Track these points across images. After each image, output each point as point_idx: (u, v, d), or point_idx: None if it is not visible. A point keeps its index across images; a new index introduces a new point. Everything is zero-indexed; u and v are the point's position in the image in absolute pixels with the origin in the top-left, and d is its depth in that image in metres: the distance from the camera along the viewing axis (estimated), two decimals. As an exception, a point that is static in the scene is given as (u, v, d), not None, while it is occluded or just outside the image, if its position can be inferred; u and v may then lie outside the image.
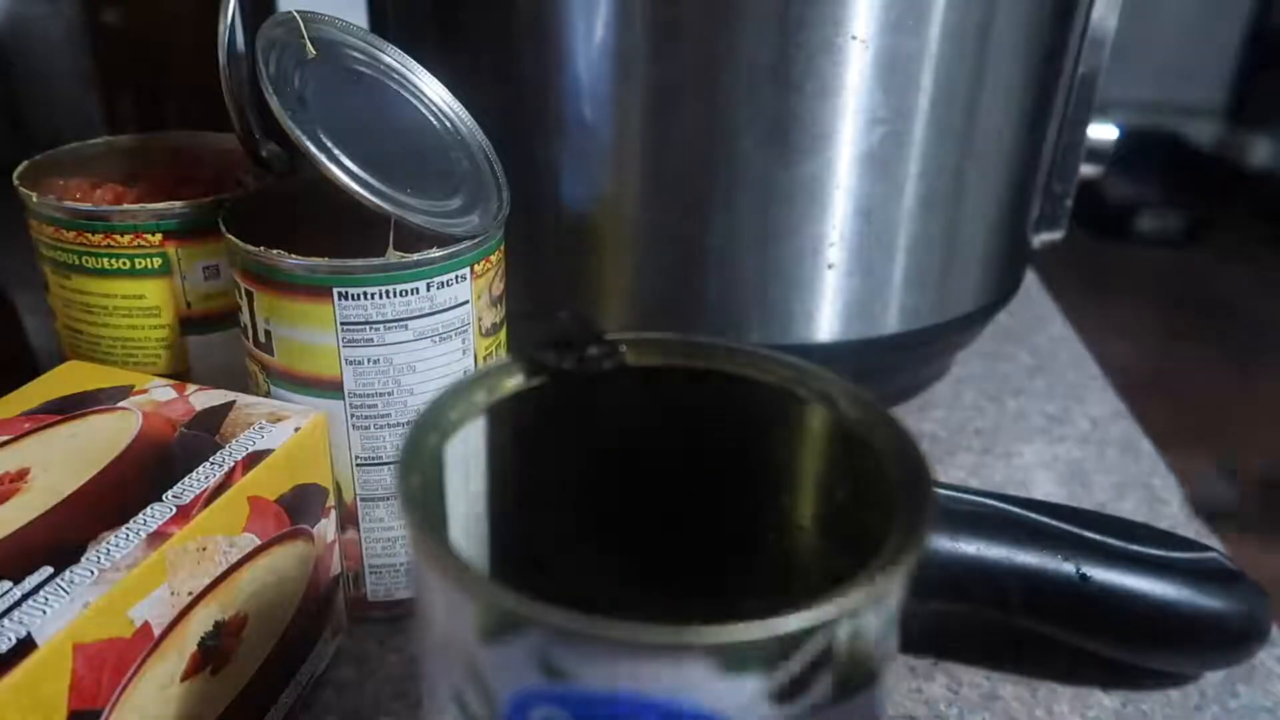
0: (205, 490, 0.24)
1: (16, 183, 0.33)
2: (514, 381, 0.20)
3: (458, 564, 0.15)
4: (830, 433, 0.20)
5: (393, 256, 0.28)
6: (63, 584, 0.21)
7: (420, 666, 0.18)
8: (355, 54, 0.32)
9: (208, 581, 0.24)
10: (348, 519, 0.31)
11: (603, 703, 0.14)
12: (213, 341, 0.34)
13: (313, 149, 0.27)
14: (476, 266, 0.30)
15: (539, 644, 0.14)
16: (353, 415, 0.29)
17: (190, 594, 0.23)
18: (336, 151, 0.28)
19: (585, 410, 0.21)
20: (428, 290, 0.28)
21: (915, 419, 0.46)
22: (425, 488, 0.18)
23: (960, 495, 0.31)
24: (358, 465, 0.30)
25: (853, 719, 0.16)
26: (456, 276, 0.29)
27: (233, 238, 0.29)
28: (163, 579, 0.22)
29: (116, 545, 0.22)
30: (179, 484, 0.25)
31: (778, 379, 0.21)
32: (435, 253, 0.28)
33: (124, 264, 0.32)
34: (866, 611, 0.15)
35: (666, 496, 0.23)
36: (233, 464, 0.25)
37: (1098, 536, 0.30)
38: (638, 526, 0.23)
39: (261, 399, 0.29)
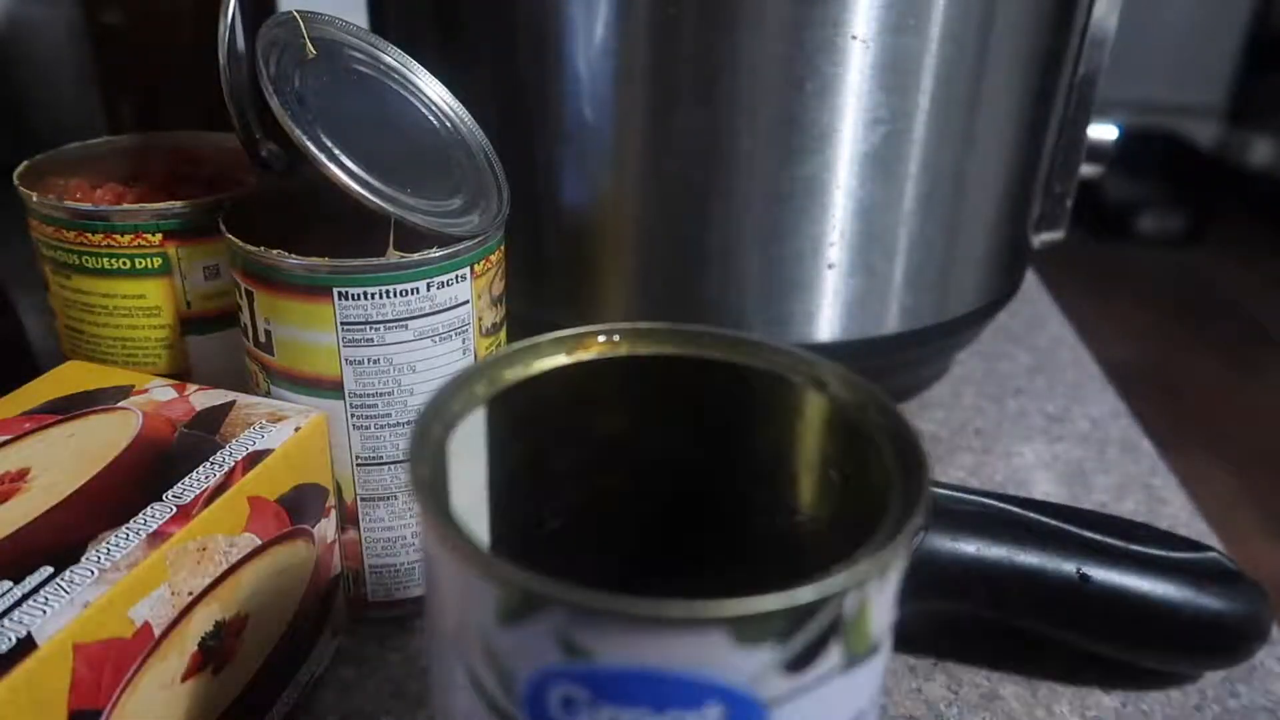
0: (205, 490, 0.24)
1: (16, 183, 0.33)
2: (513, 372, 0.20)
3: (477, 548, 0.15)
4: (824, 416, 0.21)
5: (393, 256, 0.28)
6: (63, 584, 0.21)
7: (431, 654, 0.19)
8: (355, 54, 0.32)
9: (208, 581, 0.24)
10: (348, 519, 0.31)
11: (622, 679, 0.15)
12: (213, 341, 0.34)
13: (313, 149, 0.27)
14: (476, 266, 0.30)
15: (559, 623, 0.15)
16: (353, 415, 0.29)
17: (190, 594, 0.23)
18: (336, 151, 0.28)
19: (583, 400, 0.21)
20: (428, 290, 0.28)
21: (915, 419, 0.46)
22: (434, 477, 0.18)
23: (960, 495, 0.31)
24: (358, 465, 0.30)
25: (857, 688, 0.17)
26: (456, 276, 0.29)
27: (233, 238, 0.29)
28: (163, 579, 0.22)
29: (116, 545, 0.22)
30: (179, 484, 0.25)
31: (771, 365, 0.21)
32: (435, 253, 0.28)
33: (124, 264, 0.32)
34: (872, 583, 0.16)
35: (665, 483, 0.23)
36: (233, 464, 0.25)
37: (1098, 536, 0.30)
38: (636, 514, 0.23)
39: (261, 399, 0.29)
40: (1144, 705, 0.31)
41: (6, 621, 0.20)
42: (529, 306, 0.39)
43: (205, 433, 0.27)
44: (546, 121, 0.37)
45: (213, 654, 0.24)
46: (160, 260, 0.33)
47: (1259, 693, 0.31)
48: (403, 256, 0.28)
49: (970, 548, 0.29)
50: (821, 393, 0.20)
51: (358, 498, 0.30)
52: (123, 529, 0.23)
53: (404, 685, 0.30)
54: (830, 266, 0.37)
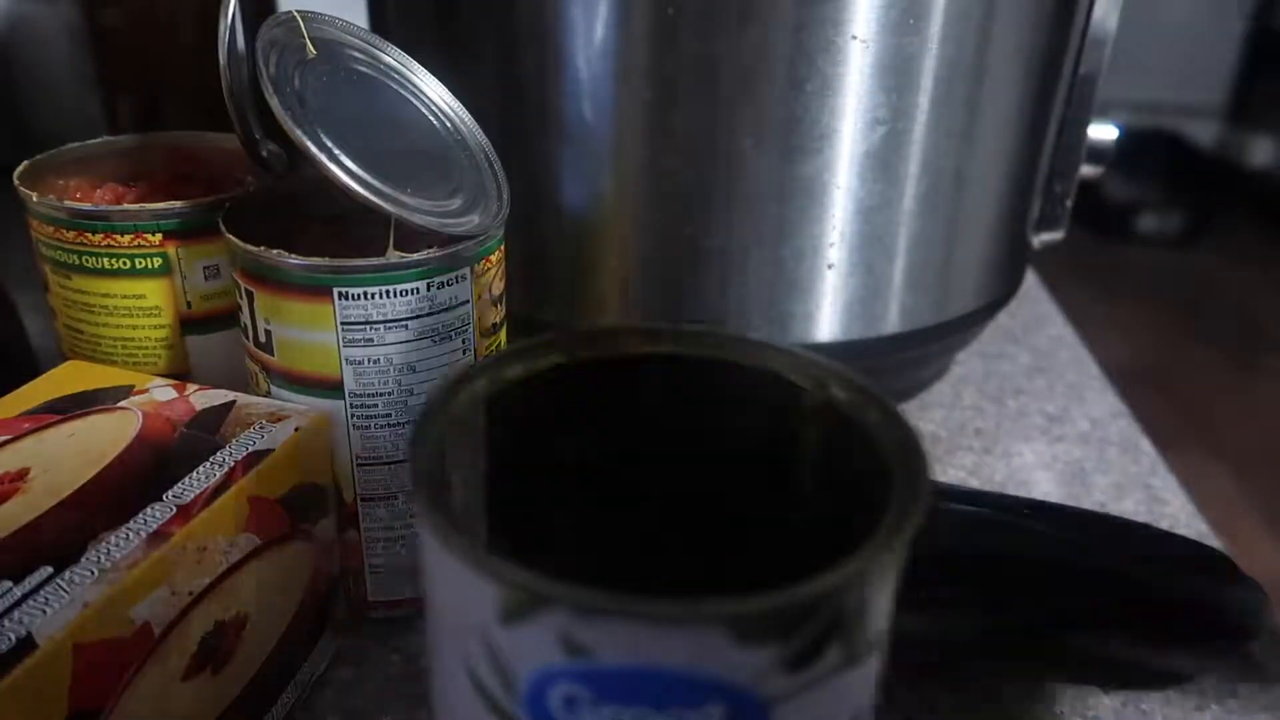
0: (205, 490, 0.24)
1: (16, 183, 0.33)
2: (513, 372, 0.21)
3: (477, 548, 0.15)
4: (824, 415, 0.20)
5: (393, 256, 0.28)
6: (63, 584, 0.21)
7: (431, 654, 0.19)
8: (355, 54, 0.32)
9: (208, 581, 0.24)
10: (348, 519, 0.31)
11: (623, 678, 0.15)
12: (213, 341, 0.34)
13: (313, 149, 0.27)
14: (476, 266, 0.30)
15: (561, 622, 0.15)
16: (353, 415, 0.29)
17: (190, 594, 0.23)
18: (336, 151, 0.28)
19: (583, 399, 0.21)
20: (428, 290, 0.28)
21: (915, 419, 0.46)
22: (434, 477, 0.18)
23: (960, 495, 0.31)
24: (358, 465, 0.30)
25: (855, 686, 0.17)
26: (456, 276, 0.29)
27: (233, 238, 0.29)
28: (163, 579, 0.22)
29: (116, 545, 0.22)
30: (179, 484, 0.25)
31: (771, 365, 0.21)
32: (435, 253, 0.28)
33: (124, 264, 0.32)
34: (871, 581, 0.16)
35: (665, 483, 0.23)
36: (233, 464, 0.25)
37: (1098, 537, 0.30)
38: (636, 513, 0.23)
39: (261, 399, 0.29)
40: (1144, 705, 0.31)
41: (6, 621, 0.20)
42: (529, 306, 0.39)
43: (205, 433, 0.27)
44: (546, 121, 0.37)
45: (213, 654, 0.24)
46: (160, 260, 0.33)
47: (1259, 692, 0.31)
48: (403, 256, 0.28)
49: (970, 548, 0.29)
50: (821, 392, 0.20)
51: (358, 498, 0.30)
52: (123, 529, 0.23)
53: (404, 685, 0.30)
54: (830, 266, 0.37)
